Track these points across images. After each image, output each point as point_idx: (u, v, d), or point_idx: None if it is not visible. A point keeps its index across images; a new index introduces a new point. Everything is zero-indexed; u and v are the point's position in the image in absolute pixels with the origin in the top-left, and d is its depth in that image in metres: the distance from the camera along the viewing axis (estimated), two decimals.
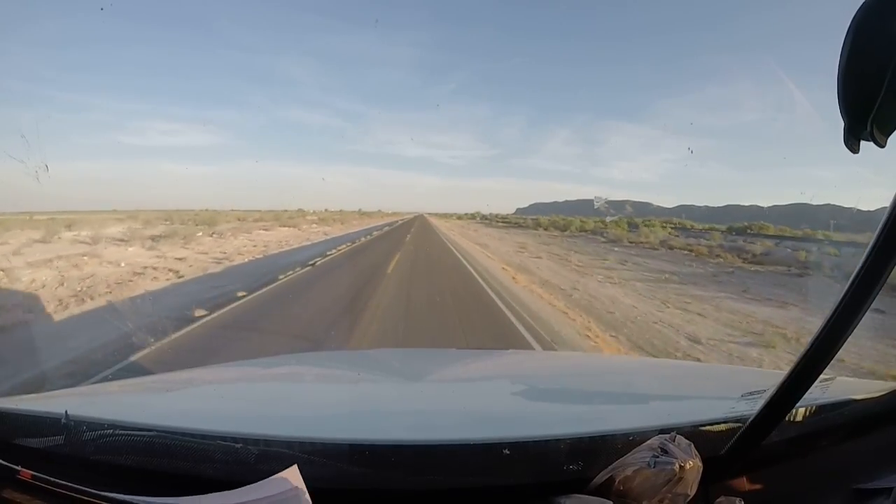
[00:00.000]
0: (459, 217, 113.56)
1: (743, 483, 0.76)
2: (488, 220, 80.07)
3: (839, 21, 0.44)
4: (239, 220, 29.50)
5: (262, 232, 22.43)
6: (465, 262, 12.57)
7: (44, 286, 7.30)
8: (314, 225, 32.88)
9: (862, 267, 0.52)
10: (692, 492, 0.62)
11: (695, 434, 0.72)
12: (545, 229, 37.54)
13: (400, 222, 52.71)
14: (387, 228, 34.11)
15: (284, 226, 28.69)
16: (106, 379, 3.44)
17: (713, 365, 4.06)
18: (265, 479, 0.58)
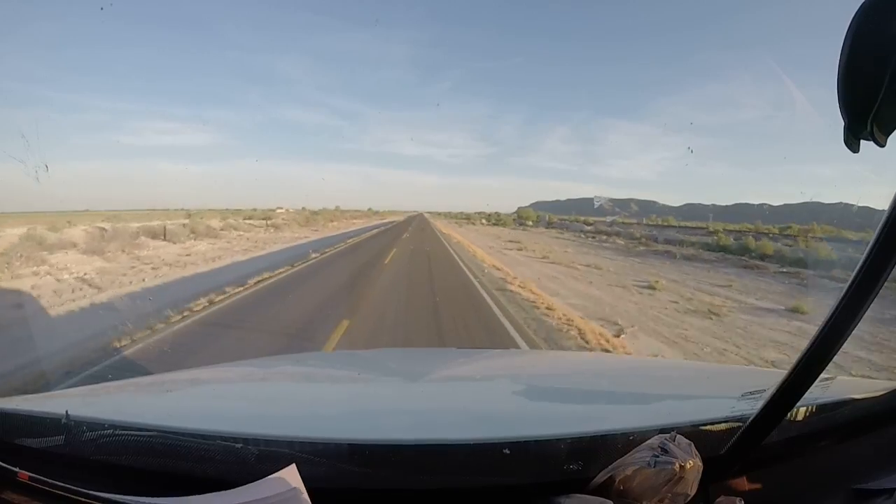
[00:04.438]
0: (488, 219, 65.47)
1: (743, 483, 0.76)
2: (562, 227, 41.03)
3: (838, 19, 0.43)
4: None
5: None
6: None
7: None
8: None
9: (862, 266, 0.52)
10: (692, 491, 0.62)
11: (695, 434, 0.72)
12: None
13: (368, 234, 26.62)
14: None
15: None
16: None
17: (713, 365, 4.06)
18: (264, 479, 0.58)
